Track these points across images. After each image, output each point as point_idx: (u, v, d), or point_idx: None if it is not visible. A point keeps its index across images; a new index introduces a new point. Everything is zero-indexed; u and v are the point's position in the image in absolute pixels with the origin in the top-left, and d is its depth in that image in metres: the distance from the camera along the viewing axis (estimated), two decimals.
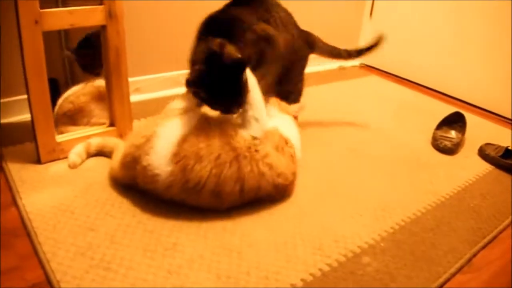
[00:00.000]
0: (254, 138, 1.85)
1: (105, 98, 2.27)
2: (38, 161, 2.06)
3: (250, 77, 1.90)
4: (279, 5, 2.26)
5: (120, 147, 1.98)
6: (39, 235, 1.62)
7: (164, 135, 1.80)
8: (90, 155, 2.15)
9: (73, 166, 2.06)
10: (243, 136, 1.83)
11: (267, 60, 2.14)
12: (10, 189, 1.89)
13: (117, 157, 1.94)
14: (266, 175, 1.82)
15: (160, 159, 1.75)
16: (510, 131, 3.07)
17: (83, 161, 2.10)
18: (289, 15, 2.33)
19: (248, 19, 2.06)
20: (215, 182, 1.74)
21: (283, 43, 2.19)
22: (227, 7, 2.15)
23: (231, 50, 1.86)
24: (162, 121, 1.87)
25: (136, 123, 2.41)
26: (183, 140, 1.77)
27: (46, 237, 1.61)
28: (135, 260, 1.55)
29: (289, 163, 1.93)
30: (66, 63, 2.52)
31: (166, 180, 1.75)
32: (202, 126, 1.84)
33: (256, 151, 1.81)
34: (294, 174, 1.97)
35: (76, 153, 2.09)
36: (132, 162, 1.82)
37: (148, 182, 1.79)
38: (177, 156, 1.73)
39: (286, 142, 1.98)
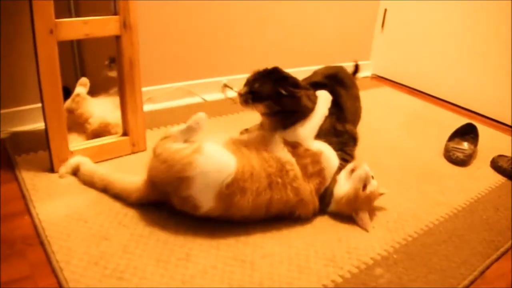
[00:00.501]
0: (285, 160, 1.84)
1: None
2: (51, 169, 2.07)
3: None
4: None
5: (115, 179, 1.97)
6: (53, 244, 1.63)
7: (206, 166, 1.71)
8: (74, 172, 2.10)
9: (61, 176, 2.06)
10: (276, 156, 1.84)
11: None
12: (23, 197, 1.90)
13: (133, 181, 1.91)
14: (291, 201, 1.81)
15: (203, 195, 1.71)
16: None
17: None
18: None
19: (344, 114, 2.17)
20: (251, 210, 1.75)
21: None
22: (333, 80, 2.23)
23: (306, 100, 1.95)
24: (197, 147, 1.76)
25: (149, 133, 2.42)
26: (229, 173, 1.71)
27: (60, 246, 1.62)
28: (148, 270, 1.55)
29: (313, 194, 1.88)
30: (78, 71, 2.54)
31: (207, 210, 1.74)
32: (241, 152, 1.81)
33: (287, 172, 1.80)
34: (314, 207, 1.90)
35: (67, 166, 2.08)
36: (165, 186, 1.77)
37: (186, 208, 1.77)
38: (223, 193, 1.70)
39: (322, 174, 1.90)
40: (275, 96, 1.90)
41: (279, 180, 1.77)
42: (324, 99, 2.04)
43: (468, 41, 3.53)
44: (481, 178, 2.47)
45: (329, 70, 2.50)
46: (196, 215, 1.77)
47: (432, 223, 2.01)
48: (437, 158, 2.66)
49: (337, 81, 2.31)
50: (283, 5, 3.39)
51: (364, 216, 1.90)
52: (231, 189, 1.69)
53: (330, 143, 1.99)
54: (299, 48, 3.68)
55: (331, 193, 1.93)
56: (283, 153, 1.86)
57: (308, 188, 1.85)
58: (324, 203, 1.92)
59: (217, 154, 1.76)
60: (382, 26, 4.18)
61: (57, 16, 1.90)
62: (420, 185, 2.32)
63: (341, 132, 2.17)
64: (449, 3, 3.59)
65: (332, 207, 1.94)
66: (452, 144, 2.71)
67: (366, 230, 1.89)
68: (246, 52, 3.35)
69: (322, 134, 2.00)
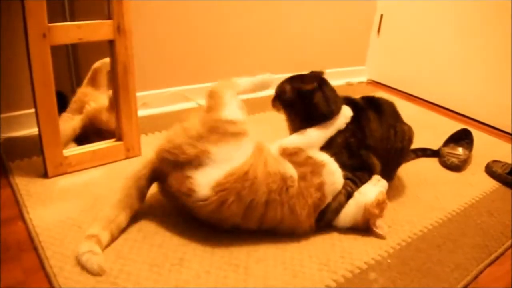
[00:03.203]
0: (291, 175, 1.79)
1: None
2: (45, 175, 2.06)
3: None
4: None
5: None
6: (46, 249, 1.62)
7: (218, 158, 1.72)
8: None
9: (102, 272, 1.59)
10: (281, 171, 1.78)
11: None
12: (17, 203, 1.90)
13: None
14: (285, 221, 1.78)
15: (204, 180, 1.69)
16: None
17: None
18: None
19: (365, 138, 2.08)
20: (241, 218, 1.73)
21: None
22: (369, 103, 2.19)
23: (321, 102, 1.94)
24: (243, 131, 1.81)
25: (143, 138, 2.41)
26: (233, 171, 1.71)
27: (53, 251, 1.62)
28: (142, 275, 1.55)
29: (310, 212, 1.82)
30: (74, 77, 2.53)
31: (199, 202, 1.70)
32: (254, 157, 1.78)
33: (287, 189, 1.76)
34: (310, 225, 1.85)
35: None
36: (171, 162, 1.74)
37: (181, 190, 1.72)
38: (221, 186, 1.69)
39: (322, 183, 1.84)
40: (295, 98, 1.92)
41: (278, 197, 1.73)
42: (343, 112, 2.00)
43: (463, 47, 3.54)
44: (475, 183, 2.48)
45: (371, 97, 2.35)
46: (187, 206, 1.75)
47: (426, 228, 2.01)
48: (432, 164, 2.66)
49: (373, 104, 2.19)
50: (279, 10, 3.40)
51: (382, 224, 1.90)
52: (226, 186, 1.68)
53: (342, 163, 1.94)
54: (295, 53, 3.69)
55: (334, 211, 1.89)
56: (287, 166, 1.81)
57: (305, 206, 1.80)
58: (324, 221, 1.88)
59: (240, 147, 1.77)
60: (378, 31, 4.19)
61: (52, 21, 1.90)
62: (415, 190, 2.33)
63: (356, 155, 2.05)
64: (445, 9, 3.60)
65: (347, 221, 1.91)
66: (447, 150, 2.71)
67: (384, 238, 1.89)
68: (241, 56, 3.35)
69: (332, 148, 1.94)
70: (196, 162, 1.70)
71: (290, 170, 1.80)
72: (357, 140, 2.02)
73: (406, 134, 2.19)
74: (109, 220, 1.71)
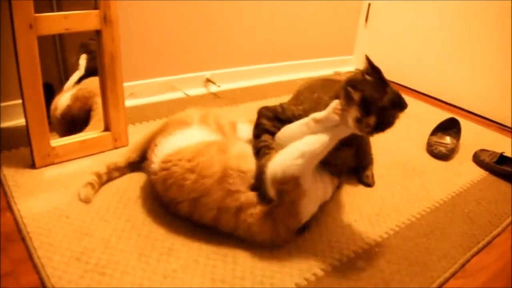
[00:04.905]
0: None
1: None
2: (33, 166, 2.06)
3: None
4: None
5: None
6: (34, 240, 1.62)
7: (177, 138, 1.83)
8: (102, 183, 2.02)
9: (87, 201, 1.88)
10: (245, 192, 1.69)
11: None
12: (5, 194, 1.89)
13: None
14: (240, 231, 1.70)
15: (158, 154, 1.79)
16: (505, 137, 3.08)
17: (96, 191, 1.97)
18: None
19: None
20: (191, 212, 1.73)
21: None
22: None
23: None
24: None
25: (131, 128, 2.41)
26: (180, 151, 1.74)
27: (41, 241, 1.61)
28: (130, 264, 1.55)
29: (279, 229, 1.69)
30: (61, 68, 2.52)
31: (152, 174, 1.79)
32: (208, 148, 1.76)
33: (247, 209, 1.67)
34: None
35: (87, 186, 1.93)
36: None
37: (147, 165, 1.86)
38: (165, 164, 1.74)
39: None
40: None
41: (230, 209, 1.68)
42: None
43: (451, 37, 3.55)
44: (463, 172, 2.49)
45: None
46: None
47: (414, 217, 2.02)
48: (420, 153, 2.68)
49: None
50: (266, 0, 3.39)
51: None
52: (169, 165, 1.72)
53: None
54: (282, 43, 3.68)
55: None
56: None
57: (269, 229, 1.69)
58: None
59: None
60: (366, 20, 4.19)
61: (38, 12, 1.88)
62: (403, 179, 2.34)
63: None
64: None
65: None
66: (434, 139, 2.72)
67: None
68: (229, 46, 3.34)
69: None
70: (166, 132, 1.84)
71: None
72: None
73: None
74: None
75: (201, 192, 1.67)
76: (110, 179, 2.03)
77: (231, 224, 1.69)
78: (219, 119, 2.02)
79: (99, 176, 1.97)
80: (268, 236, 1.68)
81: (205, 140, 1.82)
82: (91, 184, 1.91)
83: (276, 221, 1.66)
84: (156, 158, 1.78)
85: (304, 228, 1.79)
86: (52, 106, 2.34)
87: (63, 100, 2.37)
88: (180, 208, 1.74)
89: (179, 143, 1.79)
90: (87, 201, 1.86)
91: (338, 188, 2.07)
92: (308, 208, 1.69)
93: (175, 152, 1.75)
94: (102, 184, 1.99)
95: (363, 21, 4.21)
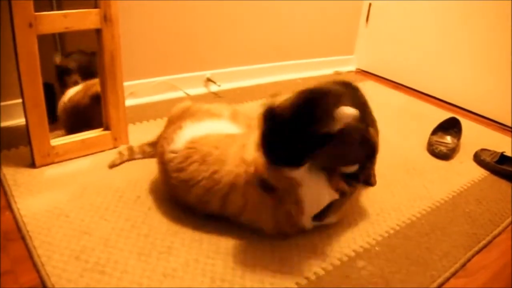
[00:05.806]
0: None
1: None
2: (33, 165, 2.05)
3: None
4: None
5: None
6: (34, 239, 1.62)
7: (207, 125, 1.89)
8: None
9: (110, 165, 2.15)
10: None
11: None
12: (4, 193, 1.89)
13: None
14: (245, 213, 1.73)
15: (182, 136, 1.81)
16: (506, 137, 3.07)
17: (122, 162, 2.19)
18: None
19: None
20: (204, 191, 1.72)
21: None
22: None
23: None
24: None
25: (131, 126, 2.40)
26: (208, 136, 1.80)
27: (41, 240, 1.61)
28: (130, 263, 1.55)
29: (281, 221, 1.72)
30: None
31: (170, 153, 1.79)
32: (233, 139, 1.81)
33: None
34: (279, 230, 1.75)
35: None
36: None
37: (166, 138, 1.88)
38: (192, 143, 1.77)
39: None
40: None
41: (242, 184, 1.68)
42: None
43: (451, 36, 3.54)
44: (464, 171, 2.49)
45: None
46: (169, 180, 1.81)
47: (414, 216, 2.02)
48: (421, 152, 2.67)
49: None
50: None
51: None
52: (195, 145, 1.76)
53: None
54: (282, 42, 3.68)
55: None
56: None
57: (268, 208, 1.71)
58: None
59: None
60: (367, 20, 4.19)
61: (38, 11, 1.88)
62: (403, 178, 2.33)
63: None
64: None
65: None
66: (435, 138, 2.72)
67: None
68: (229, 46, 3.34)
69: None
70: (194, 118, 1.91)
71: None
72: None
73: None
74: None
75: (220, 164, 1.69)
76: (142, 153, 2.24)
77: (238, 204, 1.70)
78: (250, 120, 2.01)
79: (130, 149, 2.22)
80: (271, 223, 1.70)
81: (233, 133, 1.87)
82: (120, 153, 2.18)
83: (278, 207, 1.67)
84: (179, 139, 1.80)
85: (320, 216, 1.76)
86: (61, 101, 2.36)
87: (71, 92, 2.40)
88: (193, 191, 1.72)
89: (208, 131, 1.83)
90: (110, 165, 2.13)
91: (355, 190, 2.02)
92: (310, 198, 1.68)
93: (204, 136, 1.79)
94: (132, 157, 2.21)
95: (364, 20, 4.20)
